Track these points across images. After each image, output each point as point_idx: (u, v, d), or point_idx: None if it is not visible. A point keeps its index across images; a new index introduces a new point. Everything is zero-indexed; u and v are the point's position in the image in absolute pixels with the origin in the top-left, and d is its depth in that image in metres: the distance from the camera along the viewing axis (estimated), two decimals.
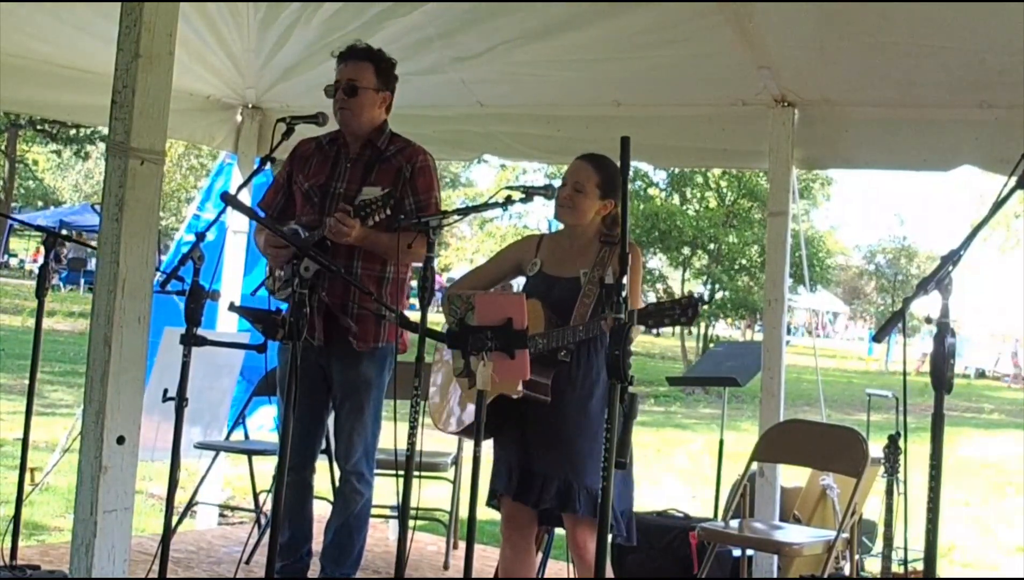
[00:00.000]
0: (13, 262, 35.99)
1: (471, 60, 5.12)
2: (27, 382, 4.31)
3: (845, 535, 4.24)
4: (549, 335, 3.56)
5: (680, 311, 3.19)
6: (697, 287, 24.06)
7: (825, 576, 4.24)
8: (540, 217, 25.98)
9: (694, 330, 25.16)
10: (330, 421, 4.40)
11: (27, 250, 37.33)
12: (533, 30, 4.80)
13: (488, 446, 3.50)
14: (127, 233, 3.07)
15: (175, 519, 4.78)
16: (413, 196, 4.11)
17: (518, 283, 4.04)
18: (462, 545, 4.32)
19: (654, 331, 4.40)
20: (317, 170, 4.20)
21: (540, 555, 4.18)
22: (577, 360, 3.64)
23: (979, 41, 4.16)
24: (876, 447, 4.19)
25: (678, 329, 23.51)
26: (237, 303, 5.38)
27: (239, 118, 5.99)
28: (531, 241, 3.96)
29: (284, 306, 4.11)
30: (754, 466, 4.71)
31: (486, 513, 3.89)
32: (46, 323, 4.40)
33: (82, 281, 28.59)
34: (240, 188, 3.93)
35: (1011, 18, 3.88)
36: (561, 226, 3.85)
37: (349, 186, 4.10)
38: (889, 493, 3.98)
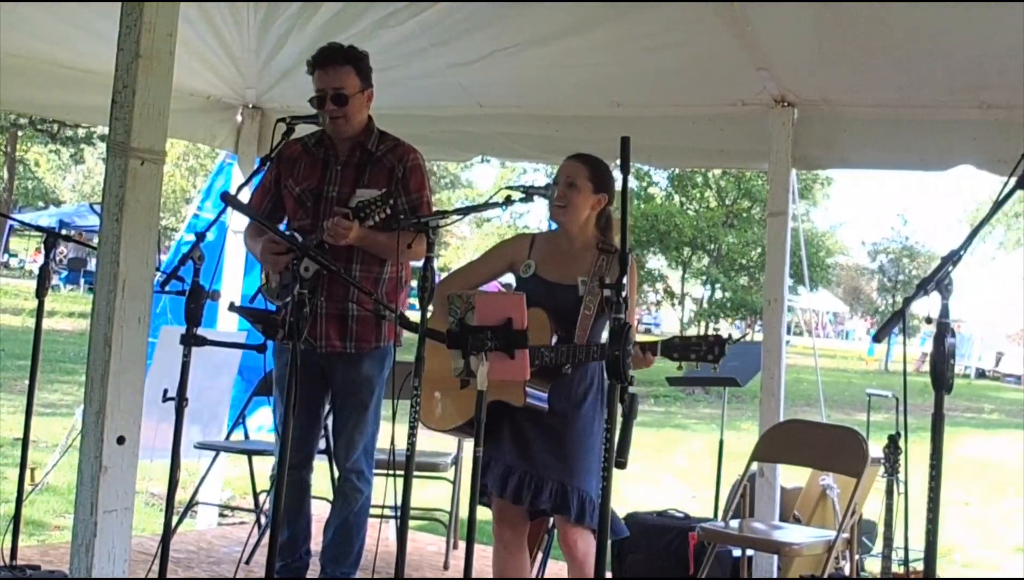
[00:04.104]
0: (13, 262, 35.96)
1: (469, 66, 5.11)
2: (27, 382, 4.31)
3: (845, 535, 4.24)
4: (558, 351, 3.55)
5: (707, 349, 3.23)
6: (697, 288, 24.05)
7: (825, 576, 4.24)
8: (540, 217, 25.99)
9: (694, 330, 25.13)
10: (329, 420, 4.40)
11: (27, 250, 37.31)
12: (531, 37, 4.80)
13: None
14: (127, 233, 3.07)
15: (175, 519, 4.78)
16: (406, 195, 4.10)
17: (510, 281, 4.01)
18: (462, 545, 4.32)
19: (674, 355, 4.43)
20: (307, 174, 4.17)
21: (540, 555, 4.18)
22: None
23: (978, 42, 4.16)
24: (876, 447, 4.19)
25: (677, 329, 23.51)
26: (237, 303, 5.38)
27: (239, 118, 5.99)
28: (523, 240, 3.93)
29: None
30: (754, 466, 4.71)
31: (486, 513, 3.89)
32: (46, 323, 4.40)
33: (82, 281, 28.59)
34: (240, 188, 3.92)
35: (1010, 19, 3.88)
36: (554, 226, 3.82)
37: (342, 189, 4.09)
38: (889, 493, 3.99)
